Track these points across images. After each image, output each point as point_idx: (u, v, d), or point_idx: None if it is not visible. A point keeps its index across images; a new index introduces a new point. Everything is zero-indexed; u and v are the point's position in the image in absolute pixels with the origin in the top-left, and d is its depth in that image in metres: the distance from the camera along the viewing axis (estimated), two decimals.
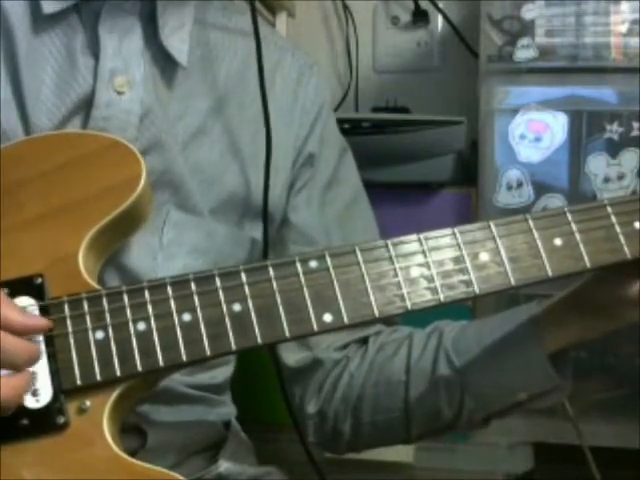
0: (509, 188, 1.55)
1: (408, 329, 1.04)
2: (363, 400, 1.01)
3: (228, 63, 0.99)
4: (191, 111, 0.94)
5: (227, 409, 1.03)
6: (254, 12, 0.96)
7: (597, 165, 1.53)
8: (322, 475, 0.97)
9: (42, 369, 0.74)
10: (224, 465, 0.98)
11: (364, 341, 1.05)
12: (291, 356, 1.04)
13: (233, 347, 0.75)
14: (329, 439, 1.04)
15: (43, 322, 0.74)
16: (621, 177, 1.51)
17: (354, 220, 1.07)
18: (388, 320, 1.05)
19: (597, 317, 0.87)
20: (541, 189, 1.55)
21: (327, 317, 0.76)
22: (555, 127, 1.55)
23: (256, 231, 0.99)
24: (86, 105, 0.88)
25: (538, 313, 0.91)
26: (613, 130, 1.52)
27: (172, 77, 0.93)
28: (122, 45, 0.89)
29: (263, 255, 0.97)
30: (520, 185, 1.55)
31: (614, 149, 1.52)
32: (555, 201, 1.54)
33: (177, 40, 0.92)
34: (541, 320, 0.90)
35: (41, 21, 0.88)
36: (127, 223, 0.82)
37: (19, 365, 0.72)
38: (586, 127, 1.54)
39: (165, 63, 0.93)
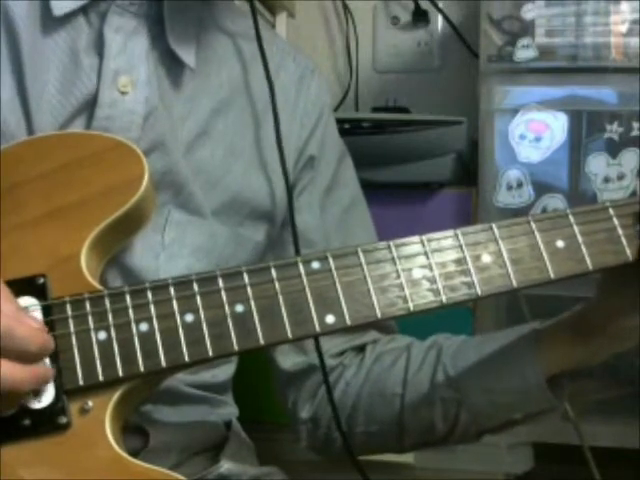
0: (509, 188, 1.56)
1: (407, 339, 1.05)
2: (357, 409, 1.01)
3: (232, 65, 0.99)
4: (195, 112, 0.94)
5: (229, 409, 1.03)
6: (254, 13, 0.97)
7: (597, 165, 1.53)
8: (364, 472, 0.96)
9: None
10: (225, 465, 0.98)
11: (360, 349, 1.05)
12: (286, 360, 1.04)
13: (235, 348, 0.75)
14: (321, 444, 1.05)
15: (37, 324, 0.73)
16: (621, 177, 1.51)
17: (353, 224, 1.08)
18: (386, 328, 1.06)
19: (599, 342, 0.87)
20: (541, 189, 1.55)
21: (329, 318, 0.76)
22: (555, 127, 1.55)
23: (258, 233, 1.00)
24: (90, 105, 0.88)
25: (539, 335, 0.91)
26: (613, 130, 1.52)
27: (178, 78, 0.94)
28: (127, 45, 0.89)
29: (295, 252, 0.96)
30: (520, 185, 1.55)
31: (614, 149, 1.52)
32: (555, 201, 1.54)
33: (184, 42, 0.93)
34: (541, 342, 0.90)
35: (47, 21, 0.88)
36: (129, 223, 0.82)
37: (34, 353, 0.71)
38: (586, 127, 1.54)
39: (171, 64, 0.93)
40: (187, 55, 0.93)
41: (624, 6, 1.52)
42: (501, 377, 0.92)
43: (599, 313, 0.86)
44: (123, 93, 0.88)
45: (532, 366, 0.90)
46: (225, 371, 1.01)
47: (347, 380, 1.02)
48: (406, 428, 0.98)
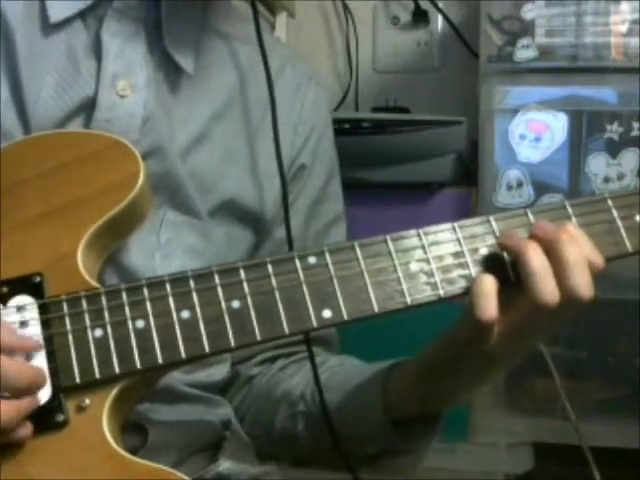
0: (509, 188, 1.56)
1: (335, 360, 1.03)
2: (245, 415, 1.03)
3: (231, 70, 0.99)
4: (194, 117, 0.94)
5: (227, 409, 1.03)
6: (256, 16, 0.96)
7: (597, 165, 1.53)
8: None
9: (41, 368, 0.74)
10: (224, 464, 0.98)
11: (274, 359, 1.05)
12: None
13: (232, 344, 0.75)
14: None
15: (31, 343, 0.74)
16: (621, 177, 1.51)
17: (332, 240, 1.06)
18: (326, 342, 1.05)
19: (444, 386, 0.85)
20: (541, 189, 1.55)
21: (326, 313, 0.76)
22: (555, 127, 1.55)
23: (251, 235, 1.00)
24: (88, 107, 0.88)
25: (388, 374, 0.90)
26: (613, 130, 1.52)
27: (176, 83, 0.93)
28: (125, 49, 0.89)
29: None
30: (520, 185, 1.55)
31: (614, 149, 1.52)
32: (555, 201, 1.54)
33: (182, 48, 0.93)
34: (389, 381, 0.89)
35: (44, 24, 0.88)
36: (126, 222, 0.82)
37: (22, 390, 0.71)
38: (586, 127, 1.54)
39: (169, 69, 0.93)
40: (185, 60, 0.93)
41: (624, 6, 1.52)
42: (352, 411, 0.92)
43: (452, 350, 0.82)
44: (122, 97, 0.88)
45: (376, 406, 0.89)
46: (220, 370, 1.01)
47: (250, 388, 1.04)
48: (275, 440, 1.01)
